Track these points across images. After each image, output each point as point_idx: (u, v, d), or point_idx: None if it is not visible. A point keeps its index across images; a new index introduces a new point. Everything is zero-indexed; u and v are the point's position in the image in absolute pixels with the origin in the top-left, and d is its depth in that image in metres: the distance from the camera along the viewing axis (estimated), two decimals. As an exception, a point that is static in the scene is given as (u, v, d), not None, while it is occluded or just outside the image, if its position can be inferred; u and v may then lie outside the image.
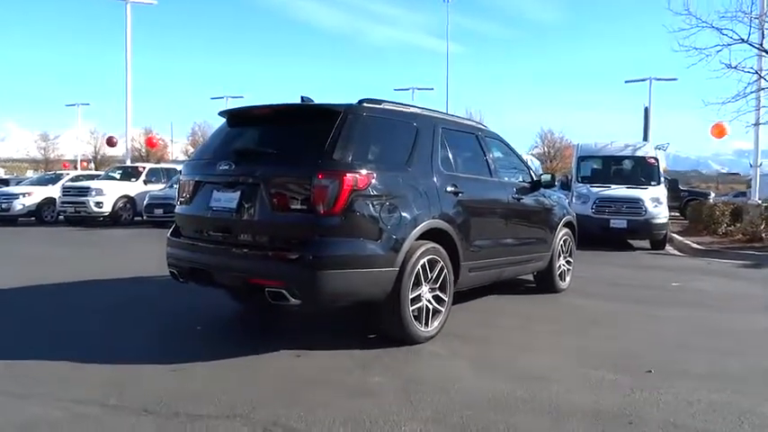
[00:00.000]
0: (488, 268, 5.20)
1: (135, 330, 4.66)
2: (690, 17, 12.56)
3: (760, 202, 15.68)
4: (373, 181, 3.95)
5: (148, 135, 50.02)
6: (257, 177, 4.00)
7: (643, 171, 12.84)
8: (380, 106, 4.47)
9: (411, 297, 4.16)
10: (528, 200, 5.90)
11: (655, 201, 11.79)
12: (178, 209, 4.67)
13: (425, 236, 4.29)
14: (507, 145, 6.14)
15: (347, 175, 3.79)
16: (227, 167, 4.11)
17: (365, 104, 4.33)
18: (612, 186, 12.30)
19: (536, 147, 50.50)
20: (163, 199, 15.73)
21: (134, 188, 17.47)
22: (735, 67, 12.12)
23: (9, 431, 2.77)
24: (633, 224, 11.70)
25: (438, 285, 4.42)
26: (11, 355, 3.88)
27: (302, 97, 4.70)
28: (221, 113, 4.71)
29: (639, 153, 13.23)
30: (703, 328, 5.15)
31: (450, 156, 4.88)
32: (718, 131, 16.06)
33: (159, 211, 15.54)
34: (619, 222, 11.64)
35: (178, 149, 56.10)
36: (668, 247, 12.52)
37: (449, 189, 4.63)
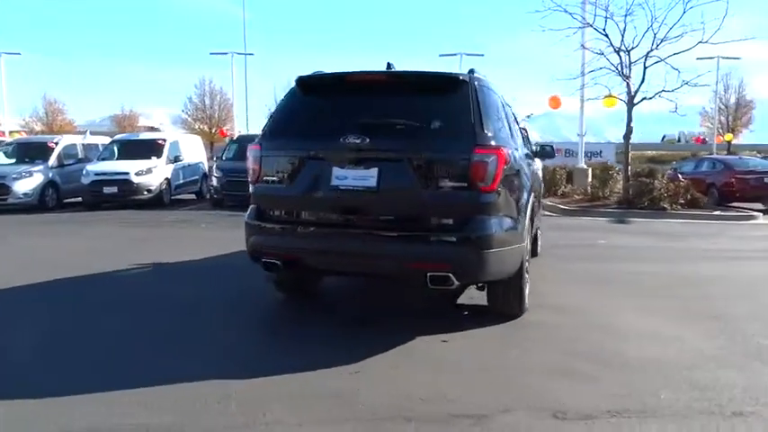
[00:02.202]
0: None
1: (227, 333, 4.00)
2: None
3: (586, 166, 18.32)
4: (511, 156, 3.84)
5: None
6: (402, 152, 3.60)
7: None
8: (483, 77, 4.28)
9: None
10: (536, 170, 6.18)
11: (533, 167, 12.99)
12: (264, 189, 3.97)
13: None
14: (515, 116, 6.31)
15: (503, 149, 3.63)
16: (357, 141, 3.59)
17: (476, 75, 4.11)
18: None
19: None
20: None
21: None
22: (588, 48, 13.80)
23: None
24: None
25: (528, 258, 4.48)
26: (133, 380, 3.04)
27: (388, 63, 4.30)
28: (303, 78, 4.06)
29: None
30: (686, 279, 5.94)
31: (514, 129, 4.90)
32: (555, 103, 18.17)
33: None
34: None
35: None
36: (539, 209, 13.97)
37: (528, 162, 4.67)
